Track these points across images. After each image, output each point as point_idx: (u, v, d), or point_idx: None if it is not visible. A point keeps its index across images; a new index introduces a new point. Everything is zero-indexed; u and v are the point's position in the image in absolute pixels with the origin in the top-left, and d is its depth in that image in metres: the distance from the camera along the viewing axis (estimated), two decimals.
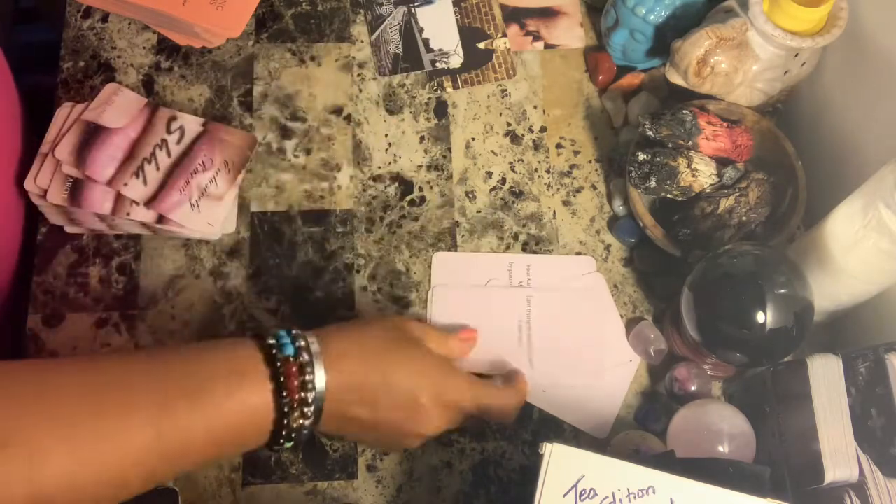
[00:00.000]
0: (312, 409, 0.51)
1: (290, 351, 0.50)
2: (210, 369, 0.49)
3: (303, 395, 0.50)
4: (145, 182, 0.69)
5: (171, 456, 0.46)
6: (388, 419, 0.56)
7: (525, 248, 0.74)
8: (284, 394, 0.49)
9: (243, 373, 0.49)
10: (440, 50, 0.81)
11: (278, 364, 0.50)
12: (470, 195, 0.76)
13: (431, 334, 0.62)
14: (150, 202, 0.68)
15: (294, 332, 0.52)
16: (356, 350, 0.55)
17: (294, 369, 0.50)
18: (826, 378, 0.59)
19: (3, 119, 0.68)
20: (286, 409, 0.49)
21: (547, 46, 0.83)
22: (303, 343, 0.51)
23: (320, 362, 0.51)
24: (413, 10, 0.83)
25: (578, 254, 0.74)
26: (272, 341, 0.51)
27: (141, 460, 0.45)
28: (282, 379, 0.49)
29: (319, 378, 0.51)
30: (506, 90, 0.80)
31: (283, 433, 0.50)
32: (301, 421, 0.50)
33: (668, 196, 0.70)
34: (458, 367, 0.62)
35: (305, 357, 0.51)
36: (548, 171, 0.77)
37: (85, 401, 0.45)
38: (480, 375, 0.64)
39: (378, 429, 0.56)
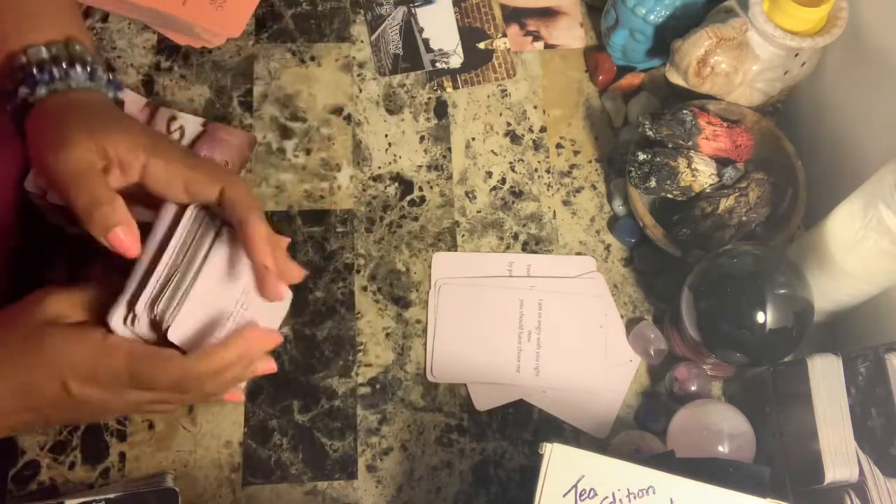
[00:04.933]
0: None
1: None
2: None
3: None
4: None
5: None
6: (56, 417, 0.51)
7: (525, 247, 0.74)
8: None
9: None
10: (440, 50, 0.81)
11: None
12: (470, 195, 0.76)
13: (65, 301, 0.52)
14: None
15: None
16: None
17: None
18: (826, 378, 0.59)
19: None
20: None
21: (547, 46, 0.82)
22: None
23: None
24: (413, 10, 0.83)
25: (578, 254, 0.74)
26: None
27: None
28: None
29: None
30: (506, 90, 0.80)
31: None
32: None
33: (668, 196, 0.70)
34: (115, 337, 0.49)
35: None
36: (548, 171, 0.77)
37: None
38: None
39: (55, 417, 0.51)
